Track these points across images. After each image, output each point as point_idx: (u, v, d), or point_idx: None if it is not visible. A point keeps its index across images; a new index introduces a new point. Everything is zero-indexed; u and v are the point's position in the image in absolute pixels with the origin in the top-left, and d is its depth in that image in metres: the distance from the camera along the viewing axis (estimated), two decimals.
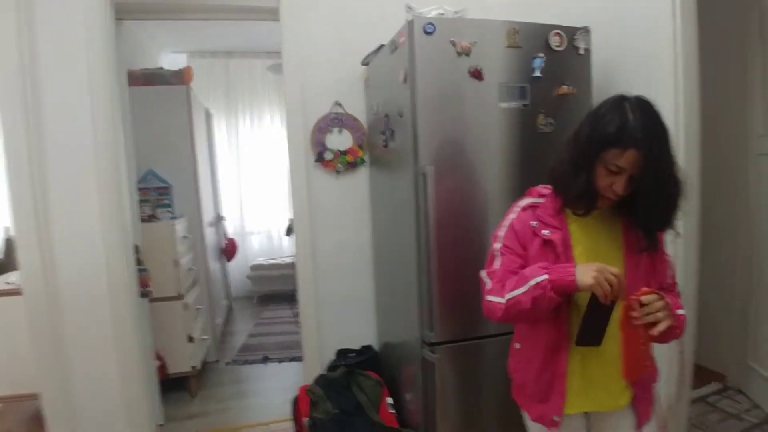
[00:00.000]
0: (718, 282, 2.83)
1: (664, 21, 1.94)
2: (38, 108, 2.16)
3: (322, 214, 2.61)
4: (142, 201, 3.04)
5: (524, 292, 1.16)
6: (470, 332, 1.96)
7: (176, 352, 3.02)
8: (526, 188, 1.38)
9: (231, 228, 5.45)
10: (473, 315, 1.93)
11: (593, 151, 1.14)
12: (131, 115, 2.64)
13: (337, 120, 2.56)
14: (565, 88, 1.98)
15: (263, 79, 5.50)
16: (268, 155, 5.68)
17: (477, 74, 1.88)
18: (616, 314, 1.14)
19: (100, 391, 2.33)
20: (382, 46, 2.25)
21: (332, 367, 2.49)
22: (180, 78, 3.51)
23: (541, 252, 1.24)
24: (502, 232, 1.31)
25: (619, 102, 1.13)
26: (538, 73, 1.95)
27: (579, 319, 1.17)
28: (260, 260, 5.62)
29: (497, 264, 1.28)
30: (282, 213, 5.75)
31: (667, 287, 1.27)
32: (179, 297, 3.02)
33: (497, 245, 1.30)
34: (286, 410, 2.54)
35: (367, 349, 2.63)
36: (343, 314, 2.67)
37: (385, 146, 2.27)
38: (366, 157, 2.61)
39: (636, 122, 1.09)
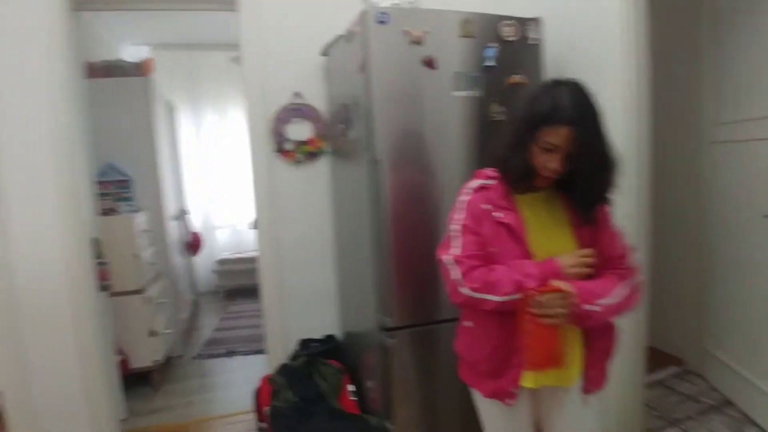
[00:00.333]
0: (674, 267, 2.91)
1: (615, 15, 2.00)
2: None
3: (284, 205, 2.60)
4: (102, 194, 2.99)
5: (503, 301, 1.22)
6: (426, 317, 2.00)
7: (138, 346, 3.00)
8: None
9: (197, 222, 5.37)
10: (429, 300, 1.97)
11: (529, 131, 1.20)
12: (90, 107, 2.57)
13: (297, 110, 2.55)
14: (517, 78, 2.03)
15: (227, 72, 5.37)
16: (233, 149, 5.58)
17: (430, 63, 1.91)
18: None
19: (61, 386, 2.30)
20: (340, 36, 2.26)
21: (295, 357, 2.50)
22: (140, 69, 3.44)
23: (495, 233, 1.28)
24: (459, 215, 1.34)
25: (553, 85, 1.21)
26: (490, 63, 1.99)
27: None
28: (226, 255, 5.58)
29: (457, 246, 1.30)
30: (248, 207, 5.65)
31: (616, 258, 1.32)
32: (140, 291, 2.99)
33: (455, 226, 1.33)
34: (250, 402, 2.54)
35: (330, 338, 2.65)
36: (307, 305, 2.67)
37: (344, 136, 2.28)
38: (326, 148, 2.61)
39: (568, 102, 1.15)
